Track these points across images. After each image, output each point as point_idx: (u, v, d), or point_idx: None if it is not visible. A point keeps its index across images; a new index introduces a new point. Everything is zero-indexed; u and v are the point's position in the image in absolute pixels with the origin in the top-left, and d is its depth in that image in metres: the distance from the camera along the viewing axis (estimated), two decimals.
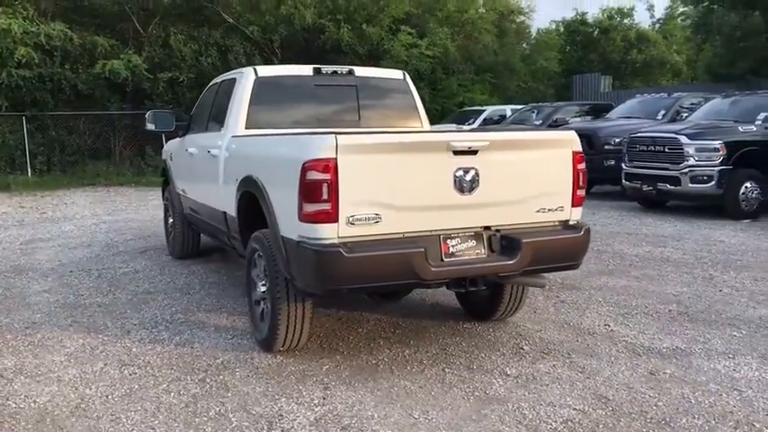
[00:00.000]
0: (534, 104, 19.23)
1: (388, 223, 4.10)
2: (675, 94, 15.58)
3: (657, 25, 31.03)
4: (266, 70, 5.91)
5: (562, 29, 31.64)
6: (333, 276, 4.01)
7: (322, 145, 3.98)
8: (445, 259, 4.26)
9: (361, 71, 6.18)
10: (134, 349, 5.00)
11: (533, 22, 28.21)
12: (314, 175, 3.95)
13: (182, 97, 19.98)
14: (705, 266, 7.47)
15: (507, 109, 20.42)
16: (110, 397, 4.16)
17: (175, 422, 3.81)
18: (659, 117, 14.43)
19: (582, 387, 4.23)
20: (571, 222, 4.66)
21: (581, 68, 27.93)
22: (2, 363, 4.76)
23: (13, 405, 4.07)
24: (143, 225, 10.82)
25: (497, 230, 4.43)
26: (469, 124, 19.31)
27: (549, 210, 4.55)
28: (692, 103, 14.97)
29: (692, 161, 10.99)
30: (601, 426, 3.71)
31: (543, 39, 28.63)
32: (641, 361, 4.66)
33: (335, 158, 3.93)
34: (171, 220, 8.12)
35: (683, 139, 11.13)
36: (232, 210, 5.39)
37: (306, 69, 6.04)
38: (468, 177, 4.23)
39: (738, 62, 19.60)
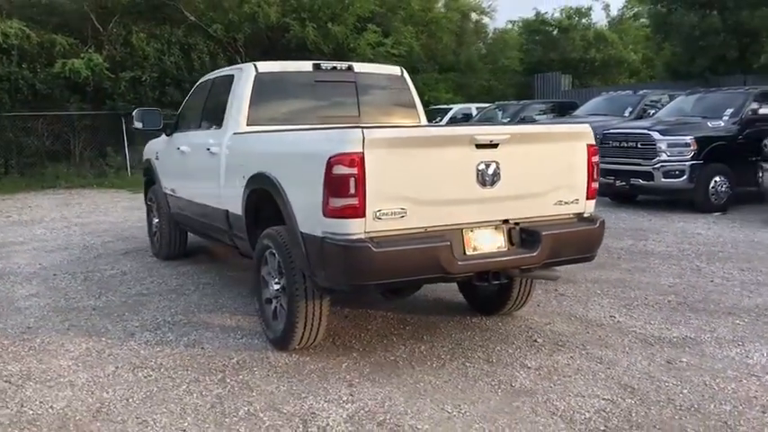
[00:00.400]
0: (500, 103, 19.42)
1: (413, 218, 4.08)
2: (641, 92, 15.91)
3: (613, 25, 31.61)
4: (266, 66, 5.82)
5: (517, 28, 32.03)
6: (361, 272, 3.97)
7: (349, 139, 3.94)
8: (469, 253, 4.26)
9: (359, 67, 6.16)
10: (142, 352, 4.88)
11: (494, 21, 28.46)
12: (340, 170, 3.90)
13: (144, 97, 19.60)
14: (690, 258, 7.63)
15: (473, 107, 20.58)
16: (130, 400, 4.05)
17: (206, 423, 3.73)
18: (626, 114, 14.71)
19: (604, 377, 4.27)
20: (586, 215, 4.71)
21: (541, 68, 28.30)
22: (6, 369, 4.60)
23: (30, 411, 3.93)
24: (117, 227, 10.58)
25: (516, 224, 4.44)
26: (437, 122, 19.39)
27: (566, 202, 4.59)
28: (652, 101, 15.34)
29: (664, 156, 11.22)
30: (633, 414, 3.76)
31: (503, 38, 28.89)
32: (655, 350, 4.73)
33: (362, 153, 3.90)
34: (156, 221, 7.95)
35: (656, 135, 11.36)
36: (237, 208, 5.30)
37: (305, 65, 5.99)
38: (490, 171, 4.24)
39: (697, 60, 20.12)
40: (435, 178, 4.13)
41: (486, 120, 18.24)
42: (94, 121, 19.19)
